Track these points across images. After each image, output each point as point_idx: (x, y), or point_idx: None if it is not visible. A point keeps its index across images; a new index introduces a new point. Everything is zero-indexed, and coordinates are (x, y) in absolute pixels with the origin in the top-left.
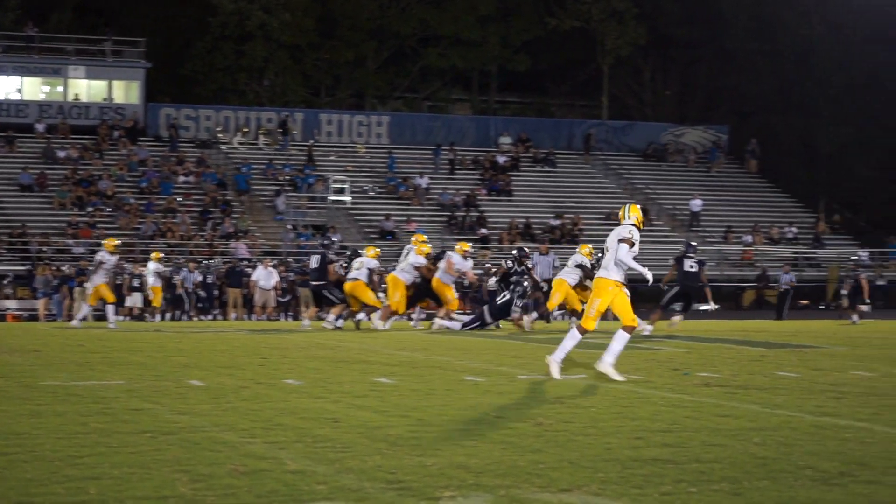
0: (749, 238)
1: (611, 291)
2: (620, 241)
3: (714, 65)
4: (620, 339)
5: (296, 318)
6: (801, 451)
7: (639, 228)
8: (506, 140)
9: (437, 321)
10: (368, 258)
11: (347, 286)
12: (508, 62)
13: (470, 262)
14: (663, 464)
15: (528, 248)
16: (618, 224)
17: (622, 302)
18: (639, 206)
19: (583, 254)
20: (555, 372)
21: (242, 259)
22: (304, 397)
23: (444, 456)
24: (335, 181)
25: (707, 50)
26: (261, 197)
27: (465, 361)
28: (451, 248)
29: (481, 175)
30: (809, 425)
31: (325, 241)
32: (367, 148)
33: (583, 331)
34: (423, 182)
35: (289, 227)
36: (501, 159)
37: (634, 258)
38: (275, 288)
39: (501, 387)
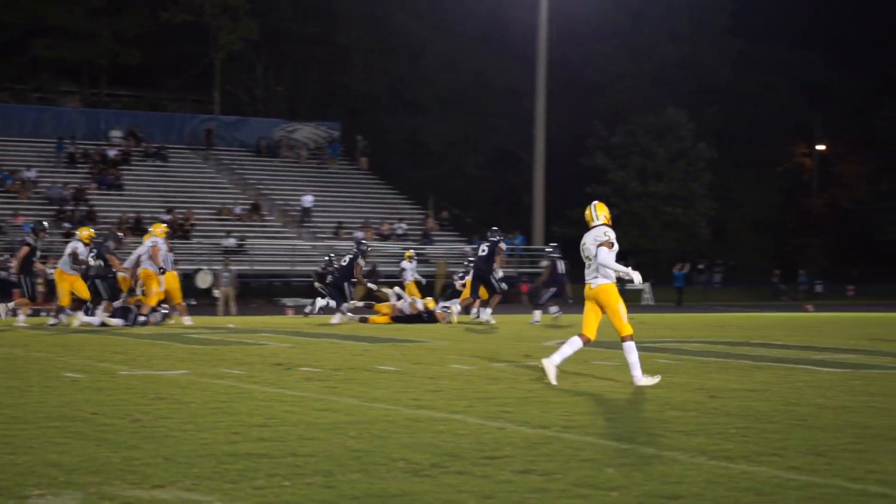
0: (360, 234)
1: (618, 294)
2: (600, 245)
3: (327, 62)
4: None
5: None
6: (396, 444)
7: (609, 225)
8: (116, 134)
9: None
10: (75, 241)
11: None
12: (119, 55)
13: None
14: (258, 458)
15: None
16: (587, 227)
17: (615, 313)
18: (604, 204)
19: (405, 257)
20: (648, 382)
21: None
22: None
23: (37, 454)
24: None
25: (320, 47)
26: None
27: (66, 358)
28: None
29: (91, 169)
30: (405, 418)
31: (35, 227)
32: None
33: (629, 338)
34: (31, 175)
35: None
36: (112, 153)
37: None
38: None
39: (101, 383)
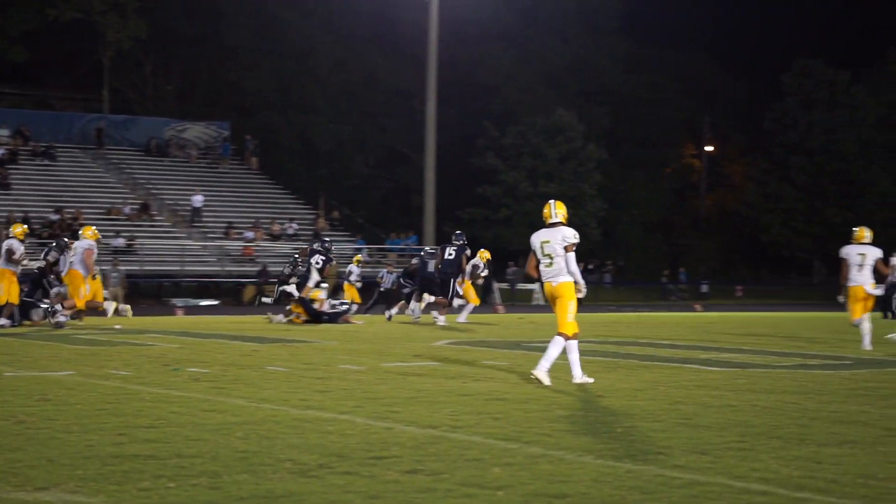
0: (250, 234)
1: (574, 294)
2: (567, 248)
3: (216, 61)
4: (557, 345)
5: None
6: (283, 444)
7: (566, 224)
8: (3, 132)
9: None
10: (9, 238)
11: None
12: (6, 53)
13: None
14: (144, 459)
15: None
16: (544, 223)
17: (564, 308)
18: (563, 203)
19: (354, 261)
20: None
21: None
22: None
23: None
24: None
25: (209, 46)
26: None
27: None
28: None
29: None
30: (293, 419)
31: None
32: None
33: (575, 336)
34: None
35: None
36: None
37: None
38: None
39: None
